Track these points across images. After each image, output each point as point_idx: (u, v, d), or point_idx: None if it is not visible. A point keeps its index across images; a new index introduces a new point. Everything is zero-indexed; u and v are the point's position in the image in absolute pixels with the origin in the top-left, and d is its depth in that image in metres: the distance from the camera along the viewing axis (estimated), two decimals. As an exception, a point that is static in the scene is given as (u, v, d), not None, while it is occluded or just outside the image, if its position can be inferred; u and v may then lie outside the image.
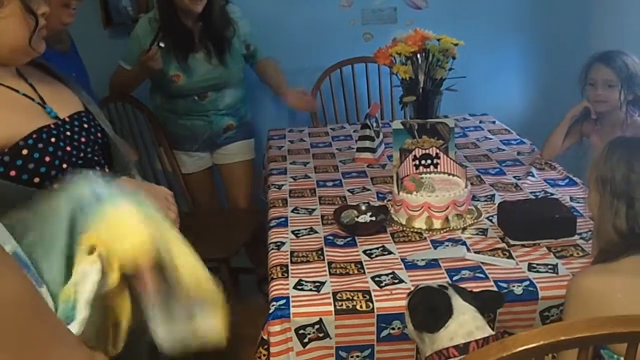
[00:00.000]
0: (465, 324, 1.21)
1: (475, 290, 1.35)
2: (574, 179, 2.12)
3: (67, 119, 1.28)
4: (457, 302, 1.24)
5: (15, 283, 0.70)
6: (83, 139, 1.29)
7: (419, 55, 2.09)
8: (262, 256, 1.88)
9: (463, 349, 1.19)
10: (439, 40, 2.13)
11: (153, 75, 2.56)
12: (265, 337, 1.41)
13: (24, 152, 1.16)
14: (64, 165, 1.23)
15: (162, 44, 2.39)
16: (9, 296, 0.67)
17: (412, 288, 1.45)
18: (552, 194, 1.99)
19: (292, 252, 1.69)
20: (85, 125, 1.32)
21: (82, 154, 1.28)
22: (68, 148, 1.24)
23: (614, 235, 1.22)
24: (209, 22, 2.54)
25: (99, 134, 1.35)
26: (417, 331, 1.27)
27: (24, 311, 0.70)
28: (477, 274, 1.53)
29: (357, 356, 1.44)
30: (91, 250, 0.92)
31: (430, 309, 1.24)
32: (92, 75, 2.68)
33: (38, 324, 0.72)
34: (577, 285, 1.24)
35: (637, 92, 2.18)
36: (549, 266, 1.55)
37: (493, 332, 1.22)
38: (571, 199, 1.95)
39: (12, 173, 1.14)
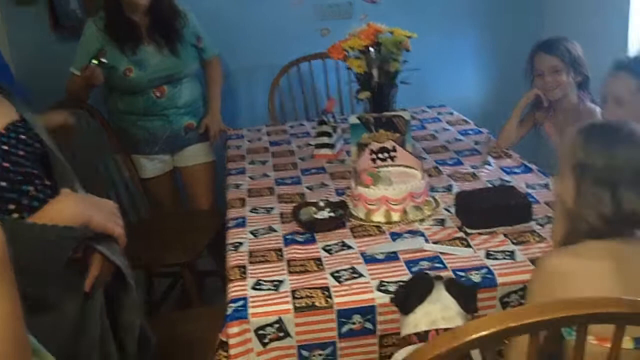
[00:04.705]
0: (432, 312, 1.23)
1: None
2: (530, 165, 2.14)
3: (3, 131, 1.20)
4: (438, 292, 1.26)
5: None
6: (21, 152, 1.21)
7: (372, 49, 2.09)
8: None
9: (423, 336, 1.19)
10: (391, 32, 2.13)
11: (107, 76, 2.51)
12: (224, 339, 1.39)
13: None
14: (3, 184, 1.14)
15: (104, 60, 2.39)
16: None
17: (371, 282, 1.46)
18: (508, 182, 2.01)
19: (250, 252, 1.66)
20: (23, 137, 1.23)
21: (21, 169, 1.19)
22: (5, 164, 1.16)
23: (596, 221, 1.21)
24: (158, 15, 2.53)
25: (37, 144, 1.26)
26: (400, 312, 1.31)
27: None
28: (436, 264, 1.53)
29: (320, 354, 1.43)
30: None
31: (407, 291, 1.27)
32: (41, 80, 2.61)
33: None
34: (542, 265, 1.26)
35: (585, 73, 2.21)
36: (507, 253, 1.56)
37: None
38: (527, 185, 1.97)
39: None
